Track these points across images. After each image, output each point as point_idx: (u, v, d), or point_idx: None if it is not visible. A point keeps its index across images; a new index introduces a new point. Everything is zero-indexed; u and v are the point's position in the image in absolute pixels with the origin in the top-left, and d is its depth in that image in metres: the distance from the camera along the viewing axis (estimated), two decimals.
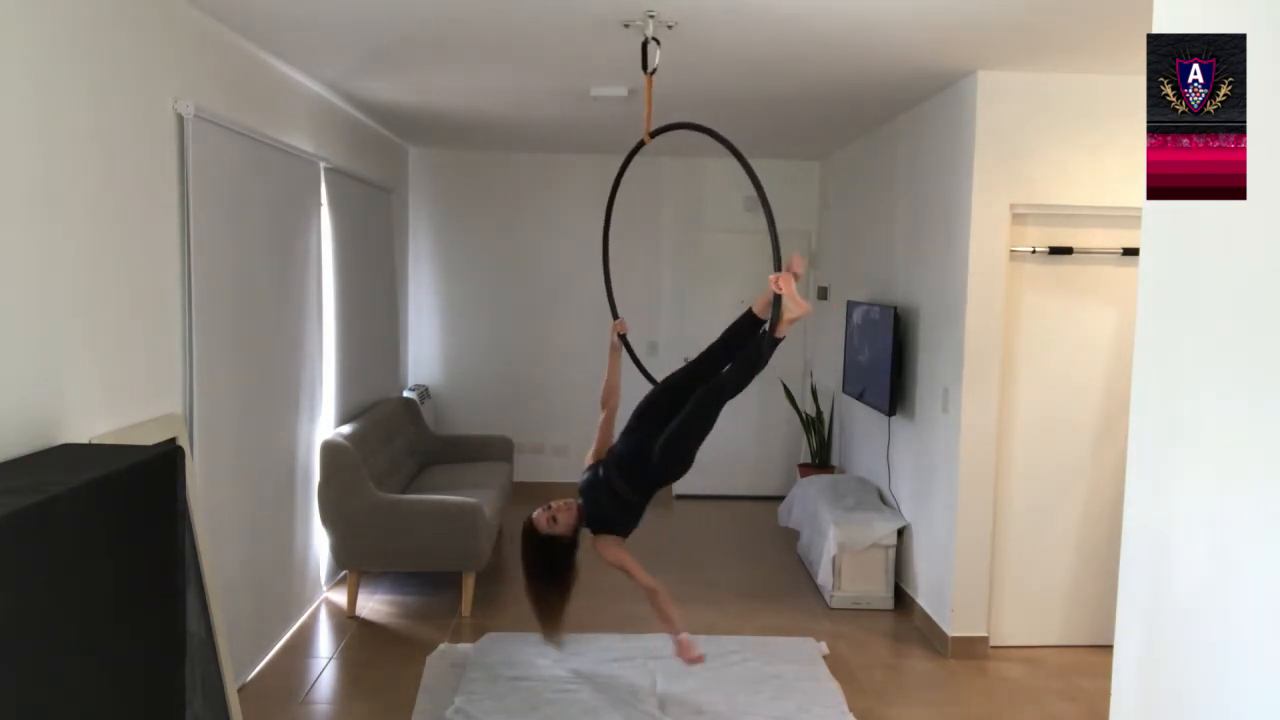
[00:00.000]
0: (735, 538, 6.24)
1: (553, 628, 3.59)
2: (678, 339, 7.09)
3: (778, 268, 2.97)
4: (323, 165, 4.74)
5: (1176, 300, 1.87)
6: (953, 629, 4.33)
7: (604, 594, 5.03)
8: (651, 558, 5.67)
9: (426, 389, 6.97)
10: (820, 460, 6.53)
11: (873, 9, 3.23)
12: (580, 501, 3.49)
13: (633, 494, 3.41)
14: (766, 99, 4.78)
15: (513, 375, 7.16)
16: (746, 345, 3.31)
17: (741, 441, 7.23)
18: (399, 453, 5.46)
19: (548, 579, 3.50)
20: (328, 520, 4.56)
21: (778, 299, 2.97)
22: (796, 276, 2.98)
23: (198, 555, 3.09)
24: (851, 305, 5.78)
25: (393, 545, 4.61)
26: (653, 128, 3.36)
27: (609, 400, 3.67)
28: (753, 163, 3.03)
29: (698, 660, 3.42)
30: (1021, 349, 4.31)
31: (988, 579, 4.33)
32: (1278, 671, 1.53)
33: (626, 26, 3.43)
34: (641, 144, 3.43)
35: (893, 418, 5.08)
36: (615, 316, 3.71)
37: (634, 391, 3.63)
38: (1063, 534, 4.40)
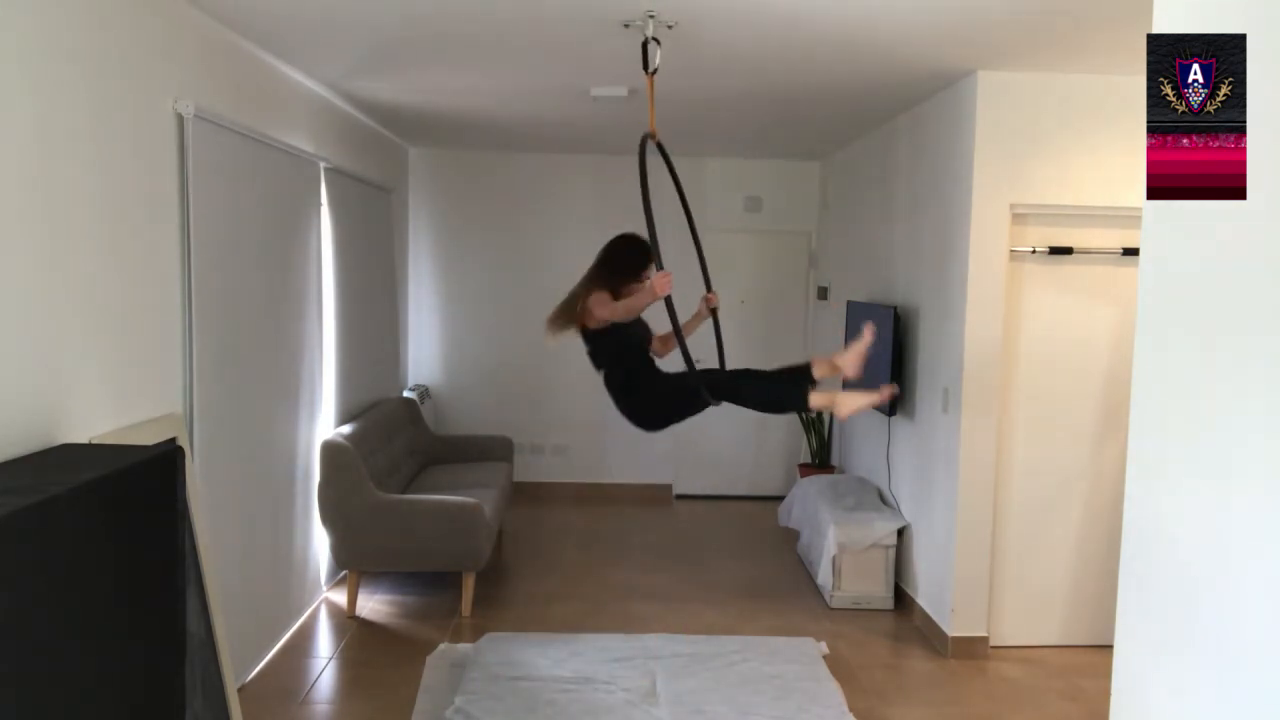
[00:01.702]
0: (735, 538, 6.24)
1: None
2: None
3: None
4: (323, 165, 4.74)
5: (1176, 300, 1.87)
6: (953, 629, 4.33)
7: (604, 594, 5.03)
8: (652, 558, 5.70)
9: (426, 389, 6.97)
10: (820, 460, 6.53)
11: (873, 9, 3.23)
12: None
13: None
14: (766, 99, 4.78)
15: (513, 375, 7.16)
16: (781, 385, 3.49)
17: (741, 441, 7.23)
18: (399, 453, 5.46)
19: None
20: (328, 520, 4.57)
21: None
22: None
23: (198, 555, 3.09)
24: (851, 305, 5.78)
25: (393, 545, 4.61)
26: (654, 132, 3.36)
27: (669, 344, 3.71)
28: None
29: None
30: (1021, 349, 4.31)
31: (988, 579, 4.33)
32: (1279, 672, 1.53)
33: (626, 27, 3.43)
34: (644, 144, 3.38)
35: (893, 418, 5.08)
36: (709, 289, 3.80)
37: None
38: (1063, 534, 4.40)
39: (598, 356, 3.63)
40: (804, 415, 3.48)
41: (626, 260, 3.61)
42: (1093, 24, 3.35)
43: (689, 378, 3.29)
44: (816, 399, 3.34)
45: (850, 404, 3.31)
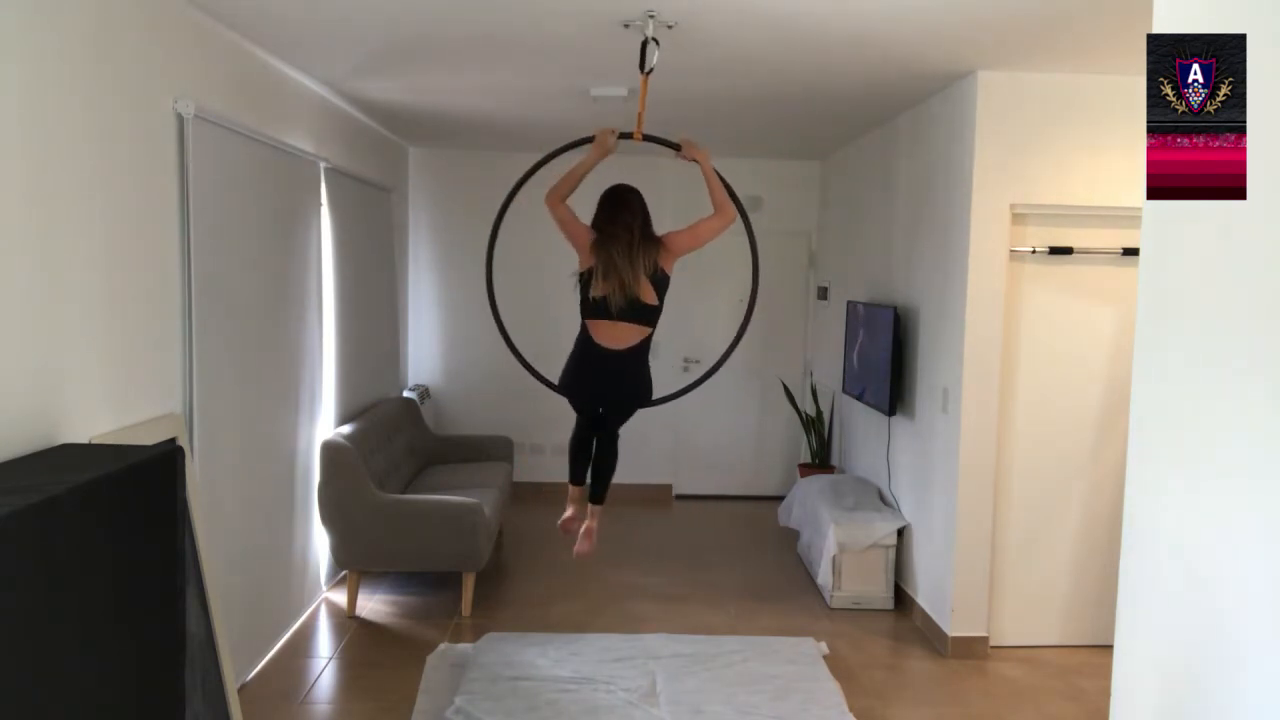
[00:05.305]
0: (735, 538, 6.24)
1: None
2: (677, 339, 7.10)
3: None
4: (323, 165, 4.74)
5: (1176, 300, 1.87)
6: (953, 629, 4.33)
7: (604, 594, 5.03)
8: (652, 558, 5.70)
9: (426, 389, 6.97)
10: (820, 460, 6.53)
11: (873, 9, 3.23)
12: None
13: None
14: (766, 99, 4.78)
15: (513, 375, 7.09)
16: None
17: (741, 441, 7.23)
18: (399, 453, 5.46)
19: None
20: (328, 520, 4.57)
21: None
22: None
23: (198, 555, 3.09)
24: (851, 305, 5.78)
25: (393, 545, 4.61)
26: (649, 131, 3.40)
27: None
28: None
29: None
30: (1021, 349, 4.31)
31: (988, 579, 4.33)
32: (1279, 672, 1.53)
33: (626, 27, 3.43)
34: (630, 135, 3.50)
35: (893, 418, 5.08)
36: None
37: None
38: (1063, 534, 4.40)
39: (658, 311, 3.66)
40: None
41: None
42: (1092, 24, 3.35)
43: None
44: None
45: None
